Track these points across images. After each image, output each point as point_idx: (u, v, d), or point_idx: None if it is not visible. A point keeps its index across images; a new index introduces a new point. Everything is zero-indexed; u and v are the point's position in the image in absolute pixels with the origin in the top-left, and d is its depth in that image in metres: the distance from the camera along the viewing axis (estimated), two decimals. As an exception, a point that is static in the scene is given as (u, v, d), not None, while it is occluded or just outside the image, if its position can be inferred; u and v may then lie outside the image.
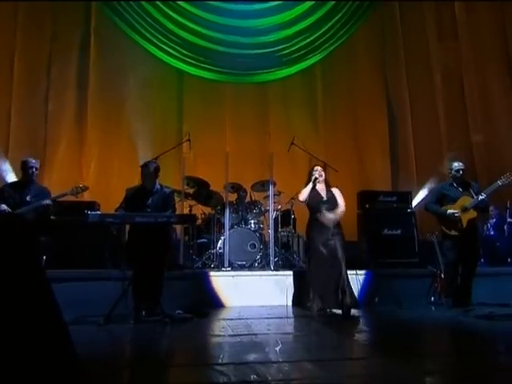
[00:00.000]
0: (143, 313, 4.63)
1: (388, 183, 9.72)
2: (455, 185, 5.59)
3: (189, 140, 7.10)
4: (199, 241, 7.11)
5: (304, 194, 5.24)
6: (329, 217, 5.11)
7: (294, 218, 7.28)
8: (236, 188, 7.15)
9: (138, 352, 3.47)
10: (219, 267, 6.45)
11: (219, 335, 4.04)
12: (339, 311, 4.87)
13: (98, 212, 4.50)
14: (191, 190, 7.10)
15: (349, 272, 6.00)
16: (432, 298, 5.87)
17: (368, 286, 5.97)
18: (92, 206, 6.25)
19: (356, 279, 5.88)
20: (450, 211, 5.40)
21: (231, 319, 4.83)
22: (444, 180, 6.46)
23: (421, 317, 5.08)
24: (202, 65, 9.25)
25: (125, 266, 4.80)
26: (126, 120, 9.25)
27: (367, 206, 6.96)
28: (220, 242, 6.71)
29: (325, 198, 5.24)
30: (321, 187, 5.34)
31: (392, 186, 9.59)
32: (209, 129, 9.57)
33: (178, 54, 9.28)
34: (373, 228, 6.84)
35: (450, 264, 5.51)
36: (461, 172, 5.56)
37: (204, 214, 7.30)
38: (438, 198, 5.65)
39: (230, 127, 9.78)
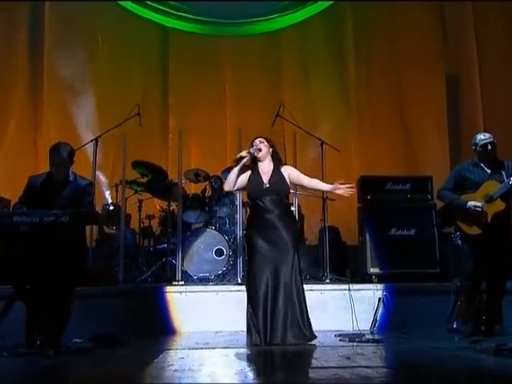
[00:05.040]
0: (38, 342, 4.55)
1: (446, 168, 9.19)
2: (482, 165, 5.24)
3: (138, 114, 6.95)
4: (159, 246, 7.07)
5: (229, 182, 4.94)
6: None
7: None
8: (203, 176, 7.06)
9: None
10: (170, 280, 6.35)
11: (98, 373, 3.92)
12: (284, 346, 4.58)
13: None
14: (143, 180, 7.06)
15: (341, 287, 5.89)
16: (455, 324, 5.40)
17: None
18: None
19: (350, 296, 5.70)
20: (471, 203, 5.08)
21: (148, 351, 4.66)
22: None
23: (414, 350, 4.70)
24: (179, 13, 9.14)
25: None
26: (94, 93, 9.35)
27: (369, 197, 6.64)
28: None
29: (266, 185, 4.87)
30: (265, 168, 4.98)
31: (452, 173, 9.09)
32: (202, 100, 9.50)
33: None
34: (377, 227, 6.53)
35: (468, 276, 5.22)
36: (489, 147, 5.16)
37: (162, 210, 7.21)
38: (457, 183, 5.35)
39: (231, 97, 9.67)
